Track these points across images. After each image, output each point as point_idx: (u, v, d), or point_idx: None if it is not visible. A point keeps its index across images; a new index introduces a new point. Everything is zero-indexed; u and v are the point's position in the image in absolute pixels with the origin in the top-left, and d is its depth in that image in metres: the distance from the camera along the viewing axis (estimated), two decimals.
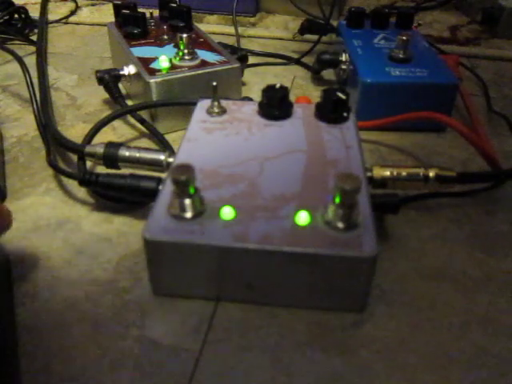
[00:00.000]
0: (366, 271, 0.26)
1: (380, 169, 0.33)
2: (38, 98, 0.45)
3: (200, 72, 0.44)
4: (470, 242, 0.34)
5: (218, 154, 0.33)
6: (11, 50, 0.52)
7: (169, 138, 0.43)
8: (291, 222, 0.27)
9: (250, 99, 0.44)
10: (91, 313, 0.28)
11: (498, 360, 0.26)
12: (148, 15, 0.54)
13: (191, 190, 0.27)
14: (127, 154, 0.34)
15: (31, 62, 0.53)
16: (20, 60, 0.48)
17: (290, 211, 0.28)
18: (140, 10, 0.53)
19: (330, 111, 0.36)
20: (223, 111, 0.37)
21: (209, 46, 0.49)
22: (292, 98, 0.38)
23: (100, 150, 0.34)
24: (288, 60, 0.61)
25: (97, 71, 0.47)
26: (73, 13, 0.75)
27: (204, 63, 0.46)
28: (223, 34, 0.67)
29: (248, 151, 0.33)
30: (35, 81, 0.48)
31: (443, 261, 0.32)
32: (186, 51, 0.46)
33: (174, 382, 0.25)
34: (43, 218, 0.35)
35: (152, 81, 0.43)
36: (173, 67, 0.45)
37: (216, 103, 0.37)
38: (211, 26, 0.71)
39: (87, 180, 0.33)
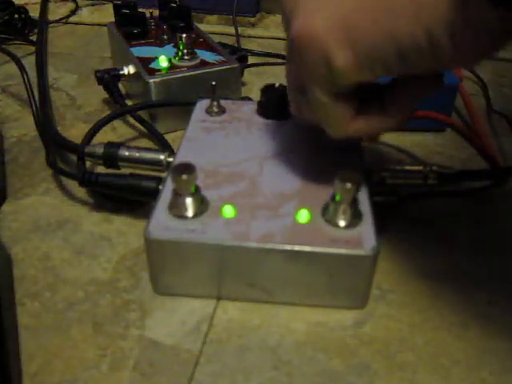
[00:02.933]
0: (367, 268, 0.26)
1: (380, 167, 0.33)
2: (37, 99, 0.45)
3: (199, 72, 0.44)
4: (471, 242, 0.34)
5: (217, 154, 0.33)
6: (9, 52, 0.52)
7: (168, 137, 0.43)
8: (292, 220, 0.27)
9: (250, 99, 0.44)
10: (91, 313, 0.28)
11: (498, 360, 0.26)
12: (148, 15, 0.54)
13: (192, 189, 0.27)
14: (127, 153, 0.34)
15: (31, 62, 0.53)
16: (18, 62, 0.48)
17: (291, 209, 0.28)
18: (140, 9, 0.53)
19: None
20: (222, 111, 0.37)
21: (208, 46, 0.49)
22: None
23: (100, 150, 0.34)
24: None
25: (96, 71, 0.46)
26: (73, 13, 0.74)
27: (203, 63, 0.46)
28: (223, 34, 0.67)
29: (247, 150, 0.33)
30: (35, 81, 0.48)
31: (443, 261, 0.32)
32: (185, 51, 0.45)
33: (174, 381, 0.25)
34: (43, 217, 0.35)
35: (151, 81, 0.43)
36: (172, 67, 0.45)
37: (215, 103, 0.37)
38: (211, 26, 0.71)
39: (87, 180, 0.33)
